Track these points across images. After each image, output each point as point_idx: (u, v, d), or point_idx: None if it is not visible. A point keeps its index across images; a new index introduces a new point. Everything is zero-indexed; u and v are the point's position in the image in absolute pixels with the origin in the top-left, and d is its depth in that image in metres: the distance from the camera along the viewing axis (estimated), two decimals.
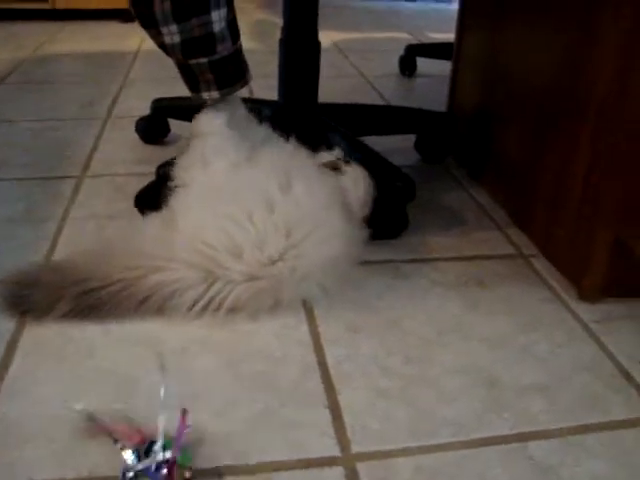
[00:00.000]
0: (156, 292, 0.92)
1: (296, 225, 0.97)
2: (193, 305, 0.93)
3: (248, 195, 1.01)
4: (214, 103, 1.10)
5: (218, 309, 0.93)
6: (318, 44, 1.31)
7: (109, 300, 0.91)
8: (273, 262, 0.94)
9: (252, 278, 0.93)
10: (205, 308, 0.93)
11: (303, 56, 1.30)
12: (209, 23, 0.99)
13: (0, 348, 0.88)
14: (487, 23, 1.40)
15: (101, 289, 0.91)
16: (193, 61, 1.03)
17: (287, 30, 1.30)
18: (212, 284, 0.93)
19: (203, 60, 1.03)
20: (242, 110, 1.15)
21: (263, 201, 0.99)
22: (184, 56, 1.03)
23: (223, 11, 1.00)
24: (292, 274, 0.95)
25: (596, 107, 0.98)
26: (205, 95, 1.08)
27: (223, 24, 1.01)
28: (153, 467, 0.65)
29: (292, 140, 1.15)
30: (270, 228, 0.96)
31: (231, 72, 1.07)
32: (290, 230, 0.96)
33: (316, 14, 1.29)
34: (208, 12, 0.99)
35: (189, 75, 1.07)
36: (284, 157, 1.10)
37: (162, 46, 1.03)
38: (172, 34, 1.00)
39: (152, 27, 1.01)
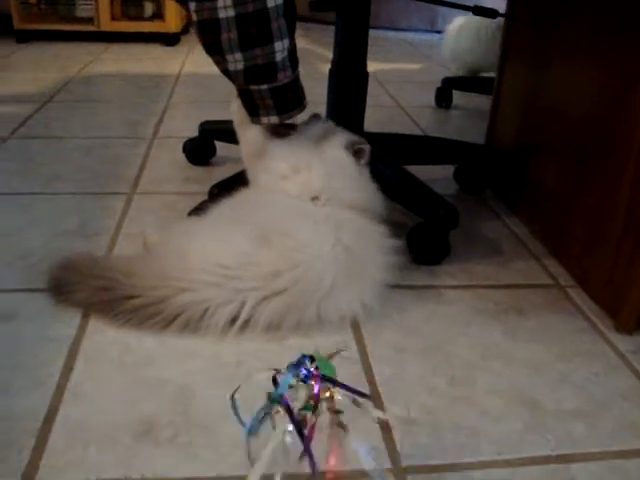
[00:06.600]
0: (186, 310, 0.95)
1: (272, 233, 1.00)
2: (232, 322, 0.95)
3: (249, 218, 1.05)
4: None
5: (255, 326, 0.96)
6: (366, 75, 1.35)
7: (134, 311, 0.95)
8: (278, 274, 0.97)
9: (273, 293, 0.96)
10: (244, 326, 0.96)
11: (352, 86, 1.35)
12: (272, 53, 1.04)
13: (63, 352, 0.92)
14: (530, 59, 1.44)
15: (126, 298, 0.96)
16: (254, 87, 1.08)
17: (337, 61, 1.35)
18: (244, 302, 0.95)
19: (264, 87, 1.08)
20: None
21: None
22: (246, 82, 1.08)
23: (286, 41, 1.05)
24: (302, 283, 0.97)
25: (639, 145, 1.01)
26: (264, 120, 1.12)
27: (285, 54, 1.06)
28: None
29: None
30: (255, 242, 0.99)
31: (290, 99, 1.12)
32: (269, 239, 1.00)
33: (366, 45, 1.33)
34: (272, 42, 1.04)
35: (249, 100, 1.11)
36: None
37: (225, 72, 1.08)
38: (236, 62, 1.05)
39: (217, 54, 1.06)
